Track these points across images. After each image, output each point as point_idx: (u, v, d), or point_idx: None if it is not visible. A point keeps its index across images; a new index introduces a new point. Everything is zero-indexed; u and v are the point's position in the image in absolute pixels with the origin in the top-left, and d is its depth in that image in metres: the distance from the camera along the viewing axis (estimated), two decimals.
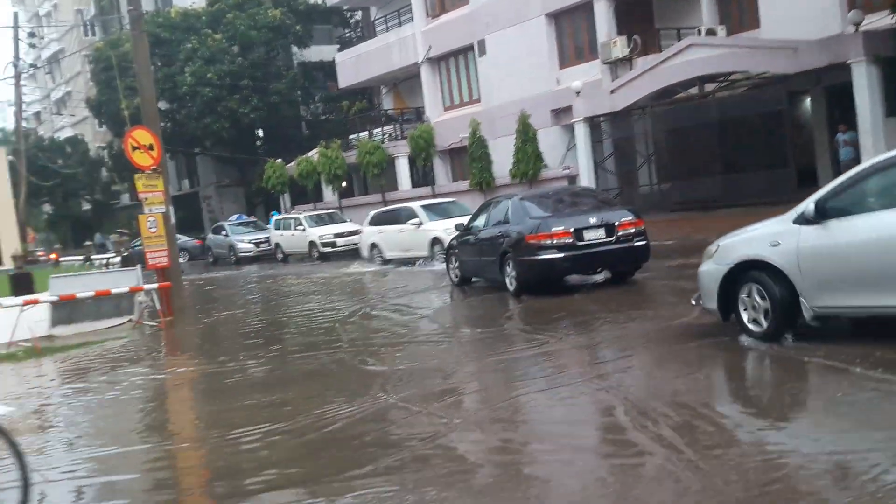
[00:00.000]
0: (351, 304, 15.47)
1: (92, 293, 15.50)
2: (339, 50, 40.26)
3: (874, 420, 5.33)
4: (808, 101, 24.53)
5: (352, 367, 9.50)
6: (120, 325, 15.77)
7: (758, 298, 7.42)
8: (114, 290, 15.72)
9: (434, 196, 30.02)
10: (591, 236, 12.69)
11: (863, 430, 5.16)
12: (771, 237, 7.30)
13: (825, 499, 4.27)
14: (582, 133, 25.83)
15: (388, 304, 14.77)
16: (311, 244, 29.35)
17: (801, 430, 5.44)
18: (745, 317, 7.60)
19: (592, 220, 12.74)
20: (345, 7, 41.73)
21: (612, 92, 24.82)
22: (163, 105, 38.57)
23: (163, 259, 16.89)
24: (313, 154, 36.31)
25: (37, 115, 77.70)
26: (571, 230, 12.60)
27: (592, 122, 25.85)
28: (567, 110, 26.79)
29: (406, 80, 36.83)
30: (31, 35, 48.05)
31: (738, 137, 22.86)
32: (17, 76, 41.06)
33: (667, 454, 5.09)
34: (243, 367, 10.32)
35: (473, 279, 15.40)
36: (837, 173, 21.67)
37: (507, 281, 13.38)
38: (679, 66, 22.72)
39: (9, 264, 22.40)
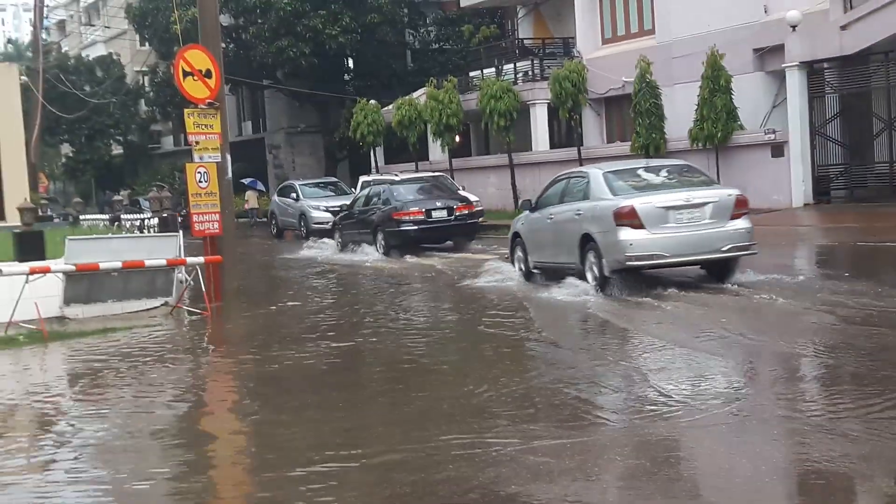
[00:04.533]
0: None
1: (119, 264, 15.85)
2: None
3: None
4: None
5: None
6: (153, 308, 16.12)
7: (519, 252, 17.37)
8: (148, 262, 16.06)
9: (580, 161, 29.67)
10: (437, 215, 24.51)
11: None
12: (522, 218, 17.70)
13: None
14: (796, 83, 25.17)
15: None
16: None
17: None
18: (515, 264, 17.62)
19: (438, 204, 24.76)
20: None
21: (842, 28, 24.08)
22: (225, 20, 39.42)
23: (213, 225, 17.20)
24: (419, 95, 36.42)
25: (60, 24, 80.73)
26: (423, 210, 24.39)
27: (812, 69, 25.21)
28: (777, 51, 26.13)
29: (552, 0, 36.49)
30: None
31: None
32: None
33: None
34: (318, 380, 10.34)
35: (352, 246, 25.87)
36: None
37: (377, 246, 24.62)
38: None
39: (14, 220, 23.24)
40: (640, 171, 15.58)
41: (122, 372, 11.57)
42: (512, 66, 35.62)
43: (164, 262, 16.21)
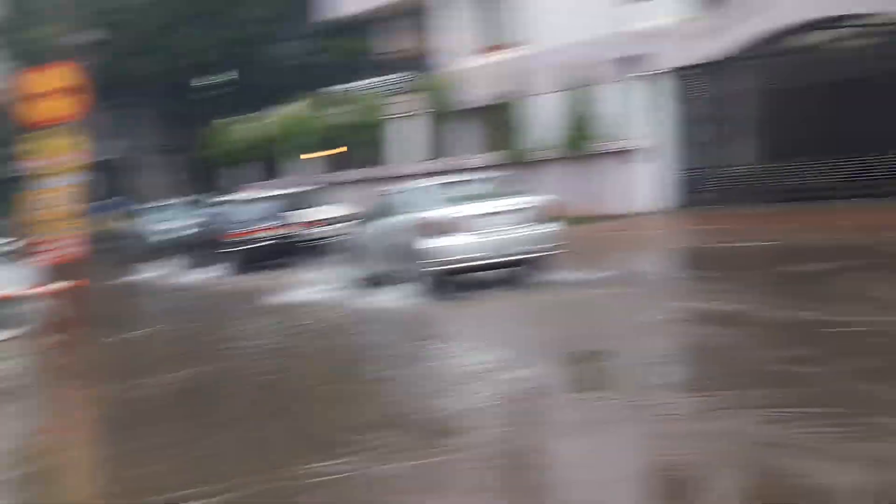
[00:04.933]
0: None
1: None
2: None
3: None
4: None
5: None
6: (3, 341, 15.55)
7: (353, 264, 18.59)
8: None
9: (455, 172, 29.74)
10: (277, 233, 24.53)
11: None
12: (354, 232, 19.02)
13: None
14: (659, 90, 25.76)
15: None
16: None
17: None
18: (349, 276, 18.40)
19: (275, 223, 24.65)
20: None
21: (705, 34, 24.76)
22: (90, 36, 38.61)
23: (70, 249, 16.72)
24: (291, 110, 36.16)
25: None
26: (259, 228, 24.44)
27: (675, 75, 25.79)
28: (643, 58, 26.58)
29: (422, 14, 36.57)
30: None
31: (867, 103, 22.72)
32: None
33: None
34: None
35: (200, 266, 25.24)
36: None
37: (222, 265, 24.23)
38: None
39: None
40: (456, 185, 17.30)
41: None
42: (383, 79, 35.53)
43: (16, 290, 15.75)
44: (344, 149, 36.43)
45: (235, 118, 37.70)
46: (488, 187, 17.09)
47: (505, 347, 11.47)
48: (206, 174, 45.36)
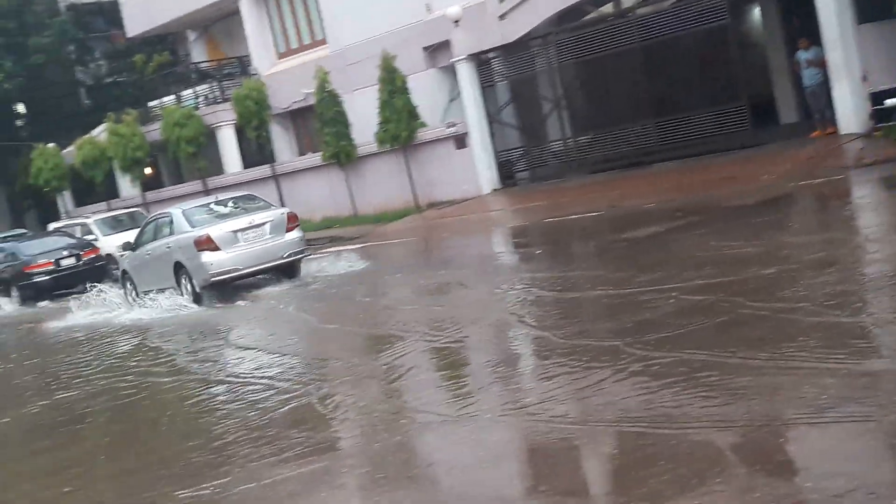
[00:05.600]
0: None
1: None
2: None
3: None
4: (756, 12, 25.41)
5: None
6: None
7: (129, 285, 20.42)
8: None
9: (275, 178, 30.03)
10: (65, 263, 26.16)
11: None
12: (128, 256, 20.76)
13: None
14: (466, 76, 26.19)
15: None
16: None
17: None
18: (127, 296, 20.37)
19: (65, 253, 26.40)
20: None
21: (501, 17, 25.22)
22: None
23: None
24: (100, 132, 35.46)
25: None
26: (52, 260, 26.22)
27: (480, 60, 26.23)
28: (445, 46, 27.03)
29: (221, 21, 36.29)
30: None
31: (670, 67, 23.54)
32: None
33: None
34: None
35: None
36: (802, 102, 22.72)
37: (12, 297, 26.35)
38: None
39: None
40: (212, 205, 19.40)
41: None
42: (191, 91, 35.10)
43: None
44: (150, 170, 35.99)
45: (49, 143, 36.65)
46: (240, 205, 19.37)
47: None
48: (33, 204, 44.05)
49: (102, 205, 36.24)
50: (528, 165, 26.72)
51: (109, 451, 9.73)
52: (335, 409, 9.12)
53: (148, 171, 35.19)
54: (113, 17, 41.07)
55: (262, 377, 11.17)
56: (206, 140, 32.75)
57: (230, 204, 19.36)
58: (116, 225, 29.76)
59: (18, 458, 10.06)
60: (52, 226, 32.54)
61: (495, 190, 26.10)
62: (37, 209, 44.76)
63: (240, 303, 17.71)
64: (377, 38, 28.21)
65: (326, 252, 21.67)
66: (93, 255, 26.68)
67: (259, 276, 19.09)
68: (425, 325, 12.21)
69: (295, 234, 18.80)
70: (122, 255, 22.40)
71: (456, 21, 25.90)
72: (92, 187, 36.64)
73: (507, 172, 26.43)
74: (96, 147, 34.61)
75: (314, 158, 30.27)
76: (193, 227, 18.58)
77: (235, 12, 34.10)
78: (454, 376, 9.95)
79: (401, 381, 9.68)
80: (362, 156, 28.58)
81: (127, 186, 36.34)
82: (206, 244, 18.05)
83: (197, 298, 18.34)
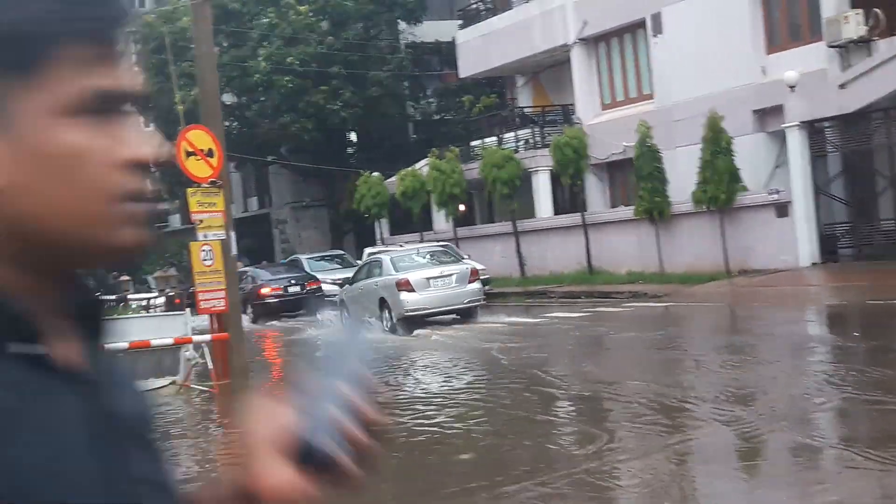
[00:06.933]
0: None
1: (125, 345, 15.75)
2: (462, 27, 40.62)
3: None
4: None
5: None
6: (161, 388, 15.99)
7: (345, 312, 25.50)
8: (154, 342, 15.98)
9: (584, 227, 29.87)
10: (291, 290, 32.21)
11: None
12: (345, 289, 26.76)
13: None
14: (797, 143, 25.28)
15: None
16: None
17: None
18: (341, 317, 25.66)
19: (293, 280, 32.93)
20: None
21: (841, 86, 24.24)
22: (228, 98, 39.76)
23: (219, 302, 17.11)
24: (422, 166, 36.54)
25: None
26: (281, 287, 32.36)
27: (812, 129, 25.31)
28: (777, 111, 26.21)
29: (551, 69, 36.72)
30: None
31: None
32: None
33: None
34: None
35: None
36: None
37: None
38: None
39: None
40: (413, 255, 24.85)
41: None
42: (513, 134, 35.67)
43: (171, 340, 16.15)
44: (463, 207, 36.67)
45: (374, 172, 38.21)
46: (436, 256, 24.62)
47: None
48: (351, 228, 46.05)
49: (416, 235, 37.32)
50: (853, 242, 25.45)
51: None
52: None
53: (462, 207, 35.91)
54: (448, 57, 42.41)
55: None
56: (522, 183, 33.08)
57: (428, 255, 24.78)
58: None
59: None
60: (366, 251, 33.80)
61: (814, 264, 24.93)
62: (355, 233, 46.67)
63: (428, 335, 21.73)
64: (706, 97, 27.69)
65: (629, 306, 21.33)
66: (315, 286, 31.96)
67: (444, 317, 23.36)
68: None
69: (475, 286, 23.50)
70: (342, 288, 27.60)
71: (792, 86, 25.09)
72: (409, 218, 37.84)
73: (829, 247, 25.25)
74: (417, 180, 35.67)
75: (626, 212, 29.97)
76: (397, 271, 23.43)
77: (566, 61, 34.47)
78: None
79: None
80: (676, 214, 28.04)
81: (441, 220, 37.23)
82: (405, 286, 22.71)
83: (392, 329, 22.83)
